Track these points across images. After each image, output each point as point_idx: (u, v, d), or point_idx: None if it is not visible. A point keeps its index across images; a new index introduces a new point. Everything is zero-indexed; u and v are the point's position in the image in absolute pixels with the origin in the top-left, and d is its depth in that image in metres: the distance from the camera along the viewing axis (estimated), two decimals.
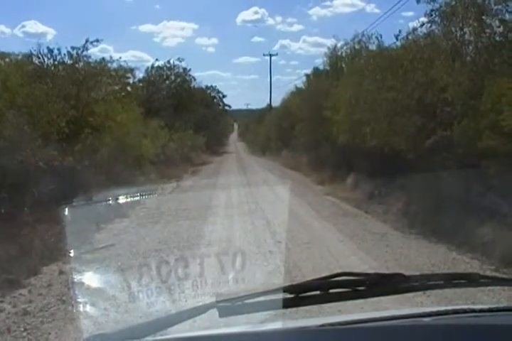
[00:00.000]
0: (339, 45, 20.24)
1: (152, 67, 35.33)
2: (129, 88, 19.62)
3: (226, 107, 49.45)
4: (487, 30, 9.35)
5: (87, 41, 14.70)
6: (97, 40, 14.99)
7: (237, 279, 2.74)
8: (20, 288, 6.23)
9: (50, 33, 57.68)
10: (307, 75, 25.85)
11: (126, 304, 4.56)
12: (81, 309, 4.85)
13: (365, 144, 11.95)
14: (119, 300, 4.80)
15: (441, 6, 10.02)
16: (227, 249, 7.56)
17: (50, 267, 7.16)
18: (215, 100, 44.98)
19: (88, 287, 5.32)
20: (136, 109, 18.50)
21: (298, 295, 1.58)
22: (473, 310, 1.55)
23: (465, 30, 9.74)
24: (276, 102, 42.78)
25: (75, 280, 5.94)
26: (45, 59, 14.24)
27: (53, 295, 6.00)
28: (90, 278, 5.77)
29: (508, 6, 9.12)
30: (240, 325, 1.60)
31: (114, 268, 6.39)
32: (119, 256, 7.37)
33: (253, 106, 71.65)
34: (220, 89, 45.82)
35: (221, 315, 1.51)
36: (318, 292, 1.60)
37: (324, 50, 22.01)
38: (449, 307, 1.57)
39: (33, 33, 61.86)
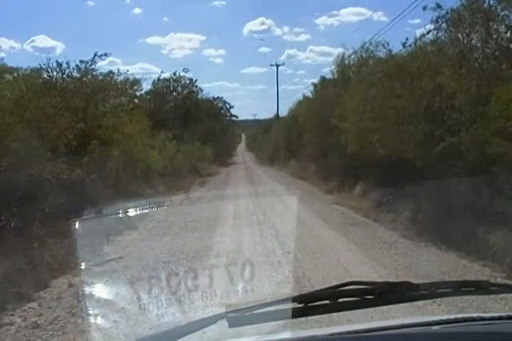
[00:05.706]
0: (346, 53, 20.25)
1: (158, 79, 35.52)
2: (136, 100, 19.72)
3: (233, 118, 49.49)
4: (494, 36, 9.35)
5: (95, 55, 14.86)
6: (106, 54, 15.16)
7: (247, 289, 2.73)
8: (30, 302, 6.23)
9: (59, 47, 57.87)
10: (314, 84, 25.78)
11: (136, 316, 4.55)
12: (91, 321, 4.85)
13: (373, 152, 11.93)
14: (129, 312, 4.79)
15: (447, 13, 10.03)
16: (236, 259, 7.54)
17: (59, 280, 7.16)
18: (222, 111, 45.03)
19: (98, 299, 5.31)
20: (143, 121, 18.59)
21: (307, 305, 1.57)
22: (483, 318, 1.54)
23: (472, 36, 9.74)
24: (284, 112, 42.74)
25: (85, 292, 5.93)
26: (54, 73, 14.38)
27: (63, 308, 5.99)
28: (100, 291, 5.77)
29: None
30: (249, 335, 1.59)
31: (124, 281, 6.38)
32: (128, 269, 7.36)
33: (260, 117, 71.54)
34: (227, 100, 45.88)
35: (231, 326, 1.50)
36: (327, 301, 1.58)
37: (331, 59, 21.98)
38: (459, 316, 1.56)
39: (42, 48, 62.11)
